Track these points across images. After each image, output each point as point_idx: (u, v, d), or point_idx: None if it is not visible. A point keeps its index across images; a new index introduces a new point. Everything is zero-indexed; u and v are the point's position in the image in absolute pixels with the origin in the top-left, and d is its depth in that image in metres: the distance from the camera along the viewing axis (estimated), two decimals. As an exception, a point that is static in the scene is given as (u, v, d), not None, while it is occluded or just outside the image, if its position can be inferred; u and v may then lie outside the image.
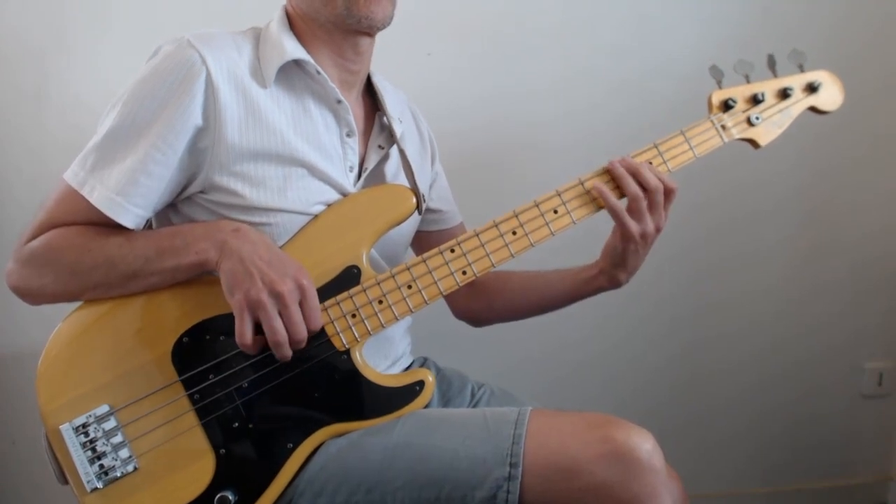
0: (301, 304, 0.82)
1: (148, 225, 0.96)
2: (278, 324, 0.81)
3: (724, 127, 0.99)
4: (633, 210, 0.94)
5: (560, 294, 1.09)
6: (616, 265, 0.99)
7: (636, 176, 0.93)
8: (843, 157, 1.63)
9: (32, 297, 0.89)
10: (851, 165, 1.64)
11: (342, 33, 0.93)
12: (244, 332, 0.80)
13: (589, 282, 1.04)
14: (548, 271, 1.11)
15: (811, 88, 1.01)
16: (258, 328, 0.81)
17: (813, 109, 1.02)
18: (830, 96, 1.02)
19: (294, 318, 0.81)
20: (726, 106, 0.99)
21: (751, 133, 1.00)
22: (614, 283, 1.02)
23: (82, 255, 0.85)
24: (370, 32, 0.93)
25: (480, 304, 1.17)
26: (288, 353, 0.82)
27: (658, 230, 0.95)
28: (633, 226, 0.93)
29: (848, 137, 1.61)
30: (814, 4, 1.55)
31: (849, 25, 1.56)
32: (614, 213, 0.94)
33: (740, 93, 0.99)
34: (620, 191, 0.94)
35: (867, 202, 1.67)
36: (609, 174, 0.95)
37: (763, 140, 1.00)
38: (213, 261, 0.83)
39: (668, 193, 0.94)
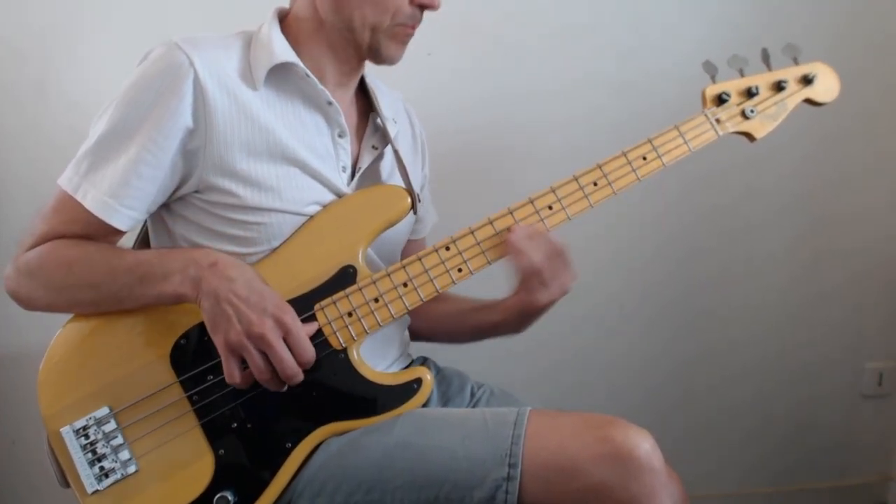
0: (287, 339, 0.81)
1: (143, 226, 0.97)
2: (262, 363, 0.80)
3: (718, 120, 0.98)
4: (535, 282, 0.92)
5: (495, 324, 1.04)
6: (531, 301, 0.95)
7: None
8: (845, 163, 1.63)
9: (25, 304, 0.91)
10: (853, 172, 1.64)
11: (355, 53, 0.94)
12: (232, 373, 0.81)
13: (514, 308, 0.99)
14: (480, 301, 1.06)
15: (806, 80, 1.00)
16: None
17: (809, 101, 1.01)
18: (826, 88, 1.01)
19: (279, 355, 0.80)
20: (720, 100, 0.98)
21: (745, 126, 0.99)
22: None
23: (68, 277, 0.86)
24: (378, 64, 0.96)
25: (423, 323, 1.12)
26: (278, 387, 0.83)
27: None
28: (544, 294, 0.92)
29: (850, 144, 1.61)
30: (819, 8, 1.54)
31: (853, 32, 1.55)
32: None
33: (734, 87, 0.99)
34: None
35: (868, 209, 1.66)
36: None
37: (758, 133, 0.99)
38: (191, 297, 0.82)
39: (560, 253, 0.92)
